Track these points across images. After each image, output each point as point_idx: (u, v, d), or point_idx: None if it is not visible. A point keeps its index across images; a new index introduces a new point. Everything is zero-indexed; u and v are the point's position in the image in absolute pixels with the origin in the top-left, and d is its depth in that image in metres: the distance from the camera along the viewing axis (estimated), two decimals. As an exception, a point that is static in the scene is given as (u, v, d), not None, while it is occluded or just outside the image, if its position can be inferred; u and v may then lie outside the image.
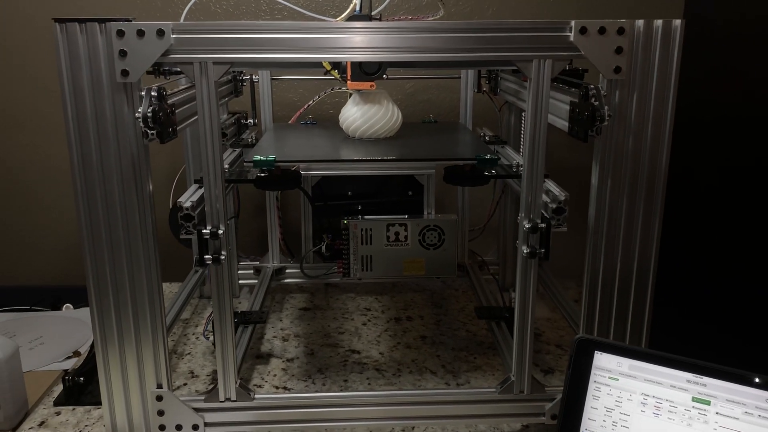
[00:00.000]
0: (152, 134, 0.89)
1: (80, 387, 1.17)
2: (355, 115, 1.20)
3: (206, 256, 0.95)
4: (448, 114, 1.75)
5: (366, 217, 1.34)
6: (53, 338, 1.42)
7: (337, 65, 1.08)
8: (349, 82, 1.08)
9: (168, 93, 0.96)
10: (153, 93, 0.89)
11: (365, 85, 1.09)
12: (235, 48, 0.89)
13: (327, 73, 1.13)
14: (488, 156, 1.05)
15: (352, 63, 1.06)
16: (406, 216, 1.37)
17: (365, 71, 1.06)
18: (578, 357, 0.88)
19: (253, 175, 1.06)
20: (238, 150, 1.31)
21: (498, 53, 0.92)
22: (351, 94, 1.29)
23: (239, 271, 1.62)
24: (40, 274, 1.84)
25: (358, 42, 0.89)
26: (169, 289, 1.65)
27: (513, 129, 1.52)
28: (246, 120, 1.55)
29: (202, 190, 0.97)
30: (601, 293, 0.99)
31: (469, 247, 1.66)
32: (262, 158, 1.03)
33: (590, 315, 1.00)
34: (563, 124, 1.00)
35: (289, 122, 1.49)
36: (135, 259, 0.94)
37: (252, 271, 1.63)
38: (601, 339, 0.90)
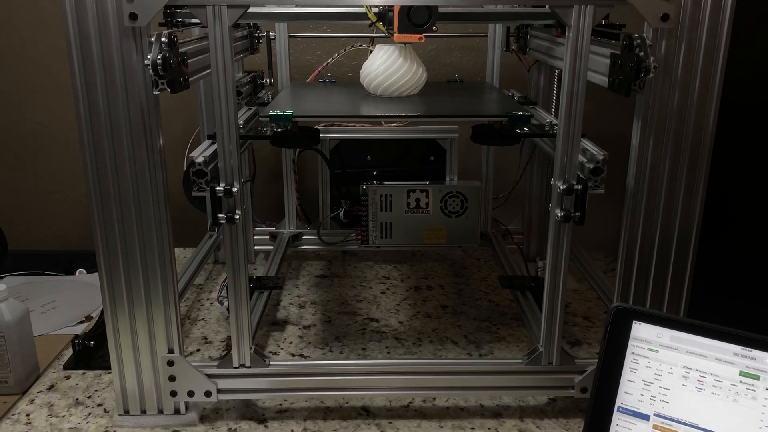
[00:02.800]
0: (162, 83, 0.84)
1: (90, 351, 1.14)
2: (377, 70, 1.14)
3: (220, 215, 0.90)
4: (473, 76, 1.67)
5: (386, 182, 1.29)
6: (66, 302, 1.39)
7: (382, 16, 1.01)
8: (395, 34, 1.01)
9: (180, 41, 0.90)
10: (163, 39, 0.83)
11: (413, 38, 1.02)
12: (250, -9, 0.83)
13: (371, 25, 1.07)
14: (520, 113, 0.98)
15: (400, 12, 0.98)
16: (428, 182, 1.31)
17: (414, 22, 0.99)
18: (615, 327, 0.82)
19: (269, 132, 1.00)
20: (253, 108, 1.25)
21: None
22: (371, 52, 1.23)
23: (254, 237, 1.57)
24: (53, 239, 1.81)
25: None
26: (183, 254, 1.62)
27: (543, 90, 1.44)
28: (262, 80, 1.48)
29: (215, 146, 0.91)
30: (639, 261, 0.93)
31: (493, 216, 1.60)
32: (279, 113, 0.97)
33: (626, 284, 0.94)
34: (601, 79, 0.92)
35: (308, 80, 1.42)
36: (145, 219, 0.89)
37: (268, 237, 1.58)
38: (640, 308, 0.83)
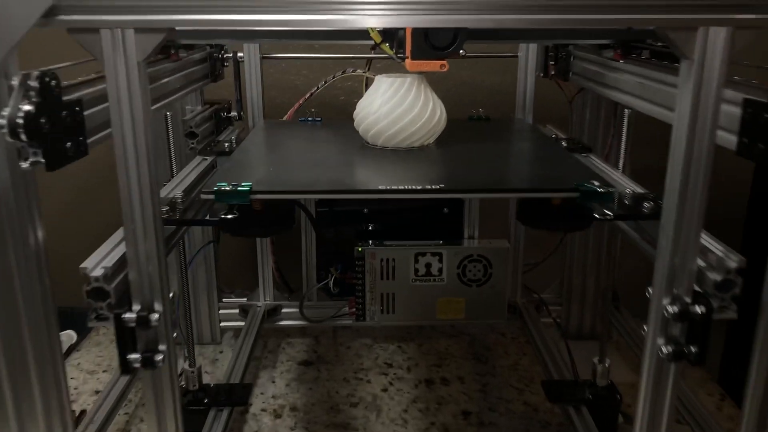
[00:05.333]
0: (34, 154, 0.51)
1: None
2: (378, 113, 0.81)
3: (131, 356, 0.57)
4: (495, 105, 1.35)
5: (387, 243, 0.97)
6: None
7: (390, 35, 0.74)
8: (408, 60, 0.73)
9: (73, 83, 0.58)
10: (32, 83, 0.50)
11: (432, 65, 0.72)
12: (178, 4, 0.51)
13: (376, 47, 0.76)
14: (598, 187, 0.65)
15: (415, 33, 0.71)
16: (441, 242, 1.00)
17: (433, 44, 0.70)
18: None
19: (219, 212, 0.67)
20: (210, 159, 0.93)
21: (634, 15, 0.53)
22: (368, 80, 0.90)
23: (221, 311, 1.24)
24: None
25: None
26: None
27: (588, 126, 1.12)
28: (228, 113, 1.16)
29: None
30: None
31: (523, 281, 1.27)
32: (230, 188, 0.63)
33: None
34: (726, 137, 0.60)
35: (285, 118, 1.09)
36: (23, 346, 0.56)
37: (237, 311, 1.25)
38: None
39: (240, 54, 1.13)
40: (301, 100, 1.05)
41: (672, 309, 0.57)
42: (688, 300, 0.58)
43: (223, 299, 1.26)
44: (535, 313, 1.25)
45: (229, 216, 0.62)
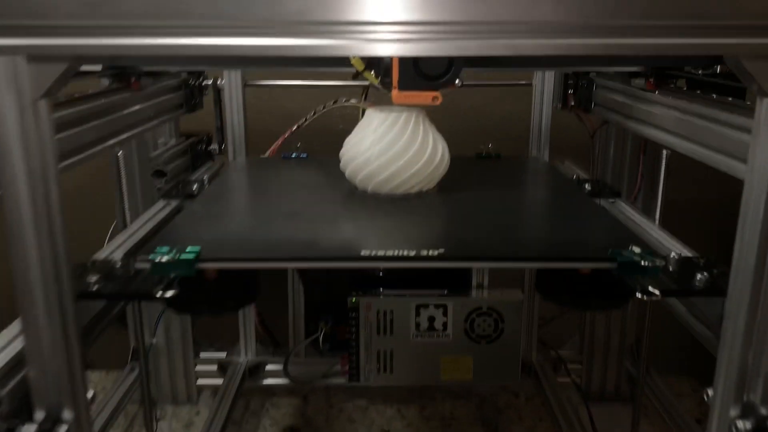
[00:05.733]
0: None
1: None
2: (368, 153, 0.68)
3: (30, 484, 0.43)
4: (506, 132, 1.21)
5: (385, 292, 0.84)
6: None
7: (374, 63, 0.63)
8: (395, 92, 0.62)
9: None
10: None
11: (423, 98, 0.61)
12: (84, 24, 0.38)
13: (358, 75, 0.65)
14: (641, 257, 0.51)
15: (403, 59, 0.60)
16: (446, 291, 0.86)
17: (425, 73, 0.60)
18: None
19: (159, 290, 0.52)
20: (174, 204, 0.80)
21: (694, 39, 0.39)
22: (363, 113, 0.78)
23: (197, 368, 1.10)
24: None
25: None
26: (101, 381, 1.15)
27: (613, 164, 0.99)
28: (207, 146, 1.03)
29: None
30: None
31: (539, 336, 1.13)
32: (171, 255, 0.50)
33: None
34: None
35: (267, 154, 0.96)
36: None
37: (215, 368, 1.11)
38: None
39: (220, 81, 1.01)
40: (284, 135, 0.92)
41: (743, 425, 0.43)
42: (765, 413, 0.44)
43: (201, 354, 1.13)
44: (552, 372, 1.11)
45: (168, 294, 0.49)
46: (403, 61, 0.64)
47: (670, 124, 0.71)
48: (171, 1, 0.37)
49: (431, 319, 0.87)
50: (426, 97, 0.67)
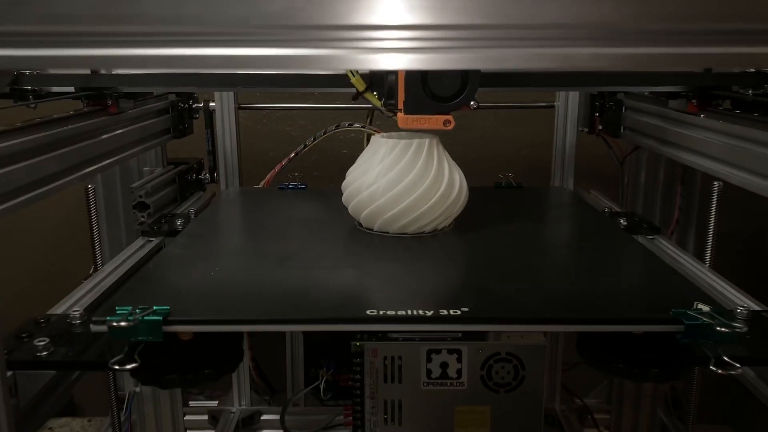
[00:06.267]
0: None
1: None
2: (374, 187, 0.59)
3: None
4: (514, 163, 1.12)
5: (392, 335, 0.75)
6: None
7: (378, 79, 0.58)
8: (400, 115, 0.56)
9: None
10: None
11: (433, 122, 0.56)
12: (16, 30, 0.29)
13: (358, 96, 0.57)
14: (712, 320, 0.41)
15: (409, 77, 0.54)
16: (460, 335, 0.76)
17: (435, 93, 0.54)
18: None
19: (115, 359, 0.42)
20: (155, 240, 0.71)
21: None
22: (368, 140, 0.69)
23: (186, 417, 1.00)
24: None
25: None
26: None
27: (645, 194, 0.89)
28: (200, 174, 0.95)
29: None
30: None
31: (563, 383, 1.03)
32: (133, 317, 0.40)
33: None
34: None
35: (261, 184, 0.87)
36: None
37: (206, 418, 1.01)
38: None
39: (212, 104, 0.93)
40: (281, 163, 0.83)
41: None
42: None
43: (190, 403, 1.03)
44: (578, 422, 1.01)
45: (127, 366, 0.39)
46: (410, 79, 0.56)
47: (720, 151, 0.62)
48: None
49: (444, 366, 0.77)
50: (436, 121, 0.58)
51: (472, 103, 0.59)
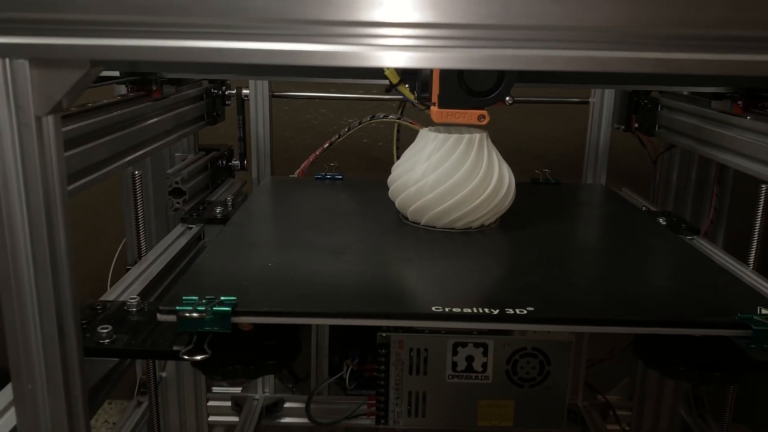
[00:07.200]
0: None
1: None
2: (422, 181, 0.59)
3: None
4: (548, 159, 1.12)
5: (416, 328, 0.75)
6: None
7: (411, 76, 0.57)
8: (434, 108, 0.56)
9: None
10: None
11: (467, 117, 0.56)
12: (107, 20, 0.29)
13: (392, 89, 0.56)
14: None
15: (445, 71, 0.54)
16: (487, 329, 0.76)
17: (470, 88, 0.54)
18: None
19: (183, 350, 0.42)
20: (195, 227, 0.71)
21: None
22: (398, 131, 0.69)
23: (209, 403, 1.01)
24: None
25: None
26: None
27: (677, 193, 0.89)
28: (229, 161, 0.95)
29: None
30: None
31: (586, 379, 1.03)
32: (201, 308, 0.40)
33: None
34: None
35: (295, 174, 0.87)
36: None
37: (230, 404, 1.02)
38: None
39: (245, 91, 0.92)
40: (314, 154, 0.83)
41: None
42: None
43: (213, 389, 1.03)
44: (600, 419, 1.01)
45: (198, 357, 0.39)
46: (446, 73, 0.55)
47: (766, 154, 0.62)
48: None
49: (469, 359, 0.77)
50: (471, 116, 0.58)
51: (507, 98, 0.59)
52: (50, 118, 0.31)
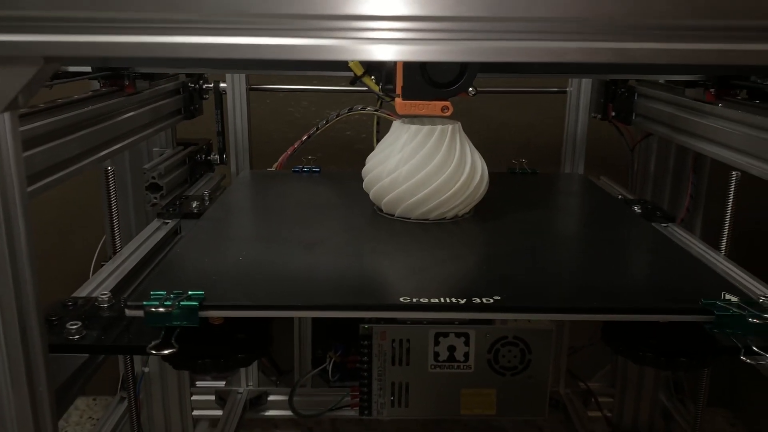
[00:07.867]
0: None
1: None
2: (396, 173, 0.59)
3: None
4: (529, 149, 1.12)
5: (398, 319, 0.75)
6: None
7: (376, 68, 0.59)
8: (398, 100, 0.57)
9: None
10: None
11: (431, 108, 0.57)
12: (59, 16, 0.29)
13: (356, 80, 0.61)
14: (742, 311, 0.42)
15: (408, 63, 0.54)
16: (468, 319, 0.76)
17: (433, 80, 0.55)
18: None
19: (153, 345, 0.42)
20: (172, 222, 0.70)
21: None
22: (378, 125, 0.69)
23: (193, 398, 1.01)
24: None
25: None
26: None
27: (654, 181, 0.90)
28: (209, 156, 0.94)
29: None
30: None
31: (567, 367, 1.04)
32: (169, 303, 0.40)
33: None
34: None
35: (273, 167, 0.87)
36: None
37: (213, 398, 1.02)
38: None
39: (223, 84, 0.92)
40: (292, 147, 0.83)
41: None
42: None
43: (197, 383, 1.03)
44: (582, 405, 1.02)
45: (165, 351, 0.39)
46: (409, 65, 0.56)
47: (739, 141, 0.62)
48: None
49: (451, 349, 0.77)
50: (434, 107, 0.59)
51: (470, 89, 0.59)
52: (6, 116, 0.31)
